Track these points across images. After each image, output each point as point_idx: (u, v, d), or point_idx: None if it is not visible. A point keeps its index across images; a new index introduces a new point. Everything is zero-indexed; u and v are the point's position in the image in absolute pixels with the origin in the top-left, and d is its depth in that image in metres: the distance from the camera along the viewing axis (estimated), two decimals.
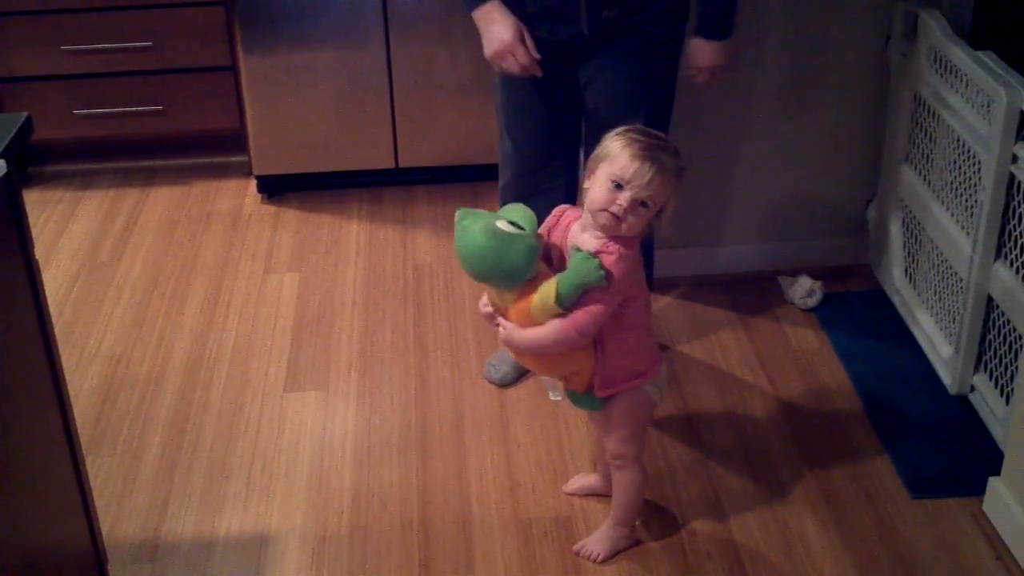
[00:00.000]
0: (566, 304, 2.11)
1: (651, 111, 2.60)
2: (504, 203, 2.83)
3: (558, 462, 2.65)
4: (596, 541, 2.40)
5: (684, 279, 3.30)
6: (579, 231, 2.16)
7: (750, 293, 3.25)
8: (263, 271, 3.44)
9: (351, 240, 3.60)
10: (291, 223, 3.71)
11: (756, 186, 3.24)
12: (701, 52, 2.63)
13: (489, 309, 2.25)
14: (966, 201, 2.71)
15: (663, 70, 2.63)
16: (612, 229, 2.09)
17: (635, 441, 2.32)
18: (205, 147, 4.07)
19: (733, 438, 2.72)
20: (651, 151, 2.09)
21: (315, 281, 3.39)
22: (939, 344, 2.88)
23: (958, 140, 2.73)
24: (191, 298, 3.32)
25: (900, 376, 2.89)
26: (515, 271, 2.13)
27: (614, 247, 2.10)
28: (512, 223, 2.12)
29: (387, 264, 3.47)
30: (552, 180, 2.75)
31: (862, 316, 3.13)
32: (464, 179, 3.85)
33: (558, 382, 2.38)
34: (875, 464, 2.63)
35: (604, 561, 2.38)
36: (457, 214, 2.17)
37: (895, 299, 3.14)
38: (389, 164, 3.82)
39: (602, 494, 2.53)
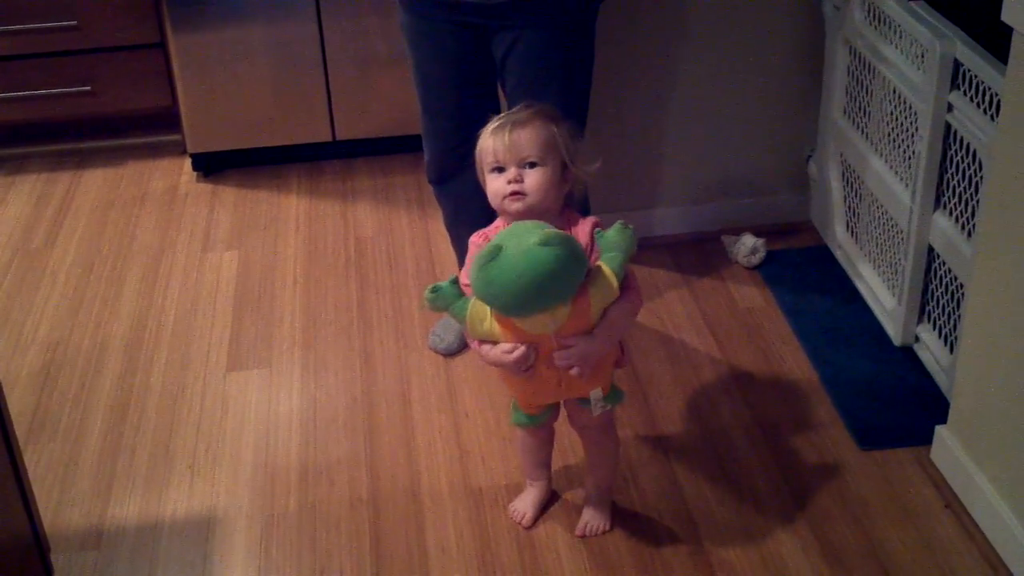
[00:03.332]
0: (621, 282, 2.01)
1: (572, 83, 2.56)
2: (431, 180, 2.78)
3: (507, 429, 2.63)
4: (596, 517, 2.36)
5: None
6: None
7: (694, 253, 3.24)
8: (201, 250, 3.39)
9: (290, 215, 3.55)
10: (228, 201, 3.65)
11: (692, 146, 3.22)
12: None
13: (520, 351, 2.02)
14: (904, 152, 2.71)
15: (581, 37, 2.56)
16: (531, 206, 2.05)
17: None
18: (137, 127, 3.99)
19: (681, 399, 2.72)
20: (503, 120, 2.08)
21: (255, 258, 3.34)
22: (883, 296, 2.89)
23: (894, 91, 2.73)
24: (128, 280, 3.26)
25: (845, 330, 2.90)
26: (583, 271, 1.95)
27: (588, 218, 2.08)
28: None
29: (328, 238, 3.43)
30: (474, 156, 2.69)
31: (806, 272, 3.14)
32: (404, 150, 3.80)
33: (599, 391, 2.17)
34: (823, 418, 2.63)
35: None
36: (482, 254, 1.91)
37: (838, 254, 3.15)
38: (326, 137, 3.77)
39: (548, 500, 2.45)
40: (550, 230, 1.92)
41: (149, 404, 2.77)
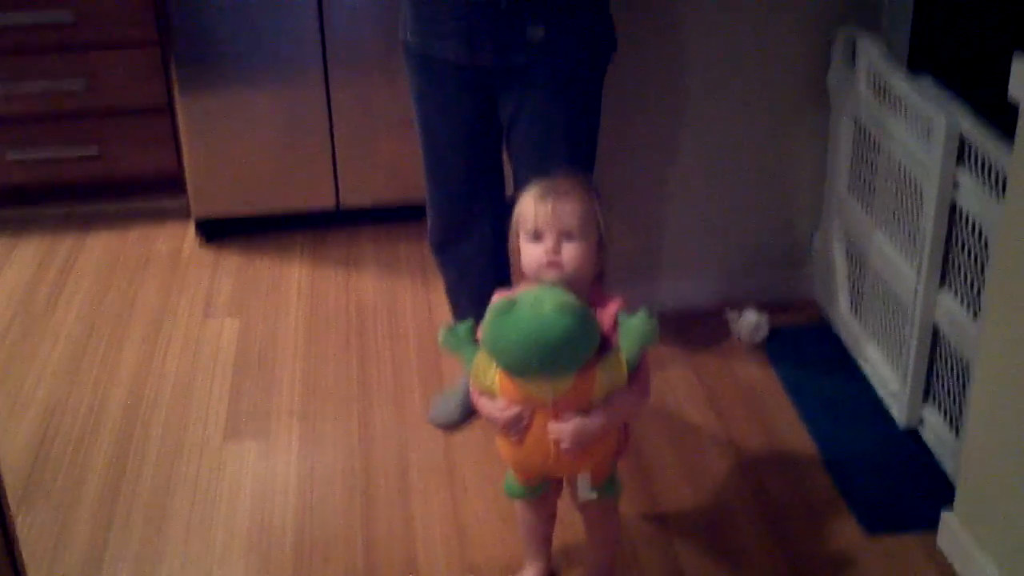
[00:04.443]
0: (632, 371, 2.00)
1: (579, 145, 2.56)
2: (433, 244, 2.76)
3: (506, 506, 2.59)
4: None
5: None
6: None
7: (696, 328, 3.22)
8: (202, 316, 3.37)
9: (292, 283, 3.54)
10: (231, 267, 3.64)
11: (695, 220, 3.21)
12: None
13: (513, 412, 2.03)
14: (909, 230, 2.70)
15: (589, 98, 2.56)
16: (565, 279, 2.03)
17: None
18: (143, 191, 3.99)
19: (683, 477, 2.68)
20: (546, 188, 2.06)
21: (255, 326, 3.32)
22: (887, 377, 2.86)
23: (899, 167, 2.72)
24: (128, 345, 3.24)
25: (849, 411, 2.87)
26: (594, 346, 1.96)
27: (615, 298, 2.06)
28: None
29: (330, 307, 3.41)
30: (478, 221, 2.67)
31: (809, 350, 3.11)
32: (408, 219, 3.79)
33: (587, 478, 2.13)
34: (826, 500, 2.60)
35: None
36: (497, 306, 1.94)
37: (841, 332, 3.12)
38: (330, 203, 3.77)
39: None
40: (568, 299, 1.92)
41: (144, 472, 2.74)
